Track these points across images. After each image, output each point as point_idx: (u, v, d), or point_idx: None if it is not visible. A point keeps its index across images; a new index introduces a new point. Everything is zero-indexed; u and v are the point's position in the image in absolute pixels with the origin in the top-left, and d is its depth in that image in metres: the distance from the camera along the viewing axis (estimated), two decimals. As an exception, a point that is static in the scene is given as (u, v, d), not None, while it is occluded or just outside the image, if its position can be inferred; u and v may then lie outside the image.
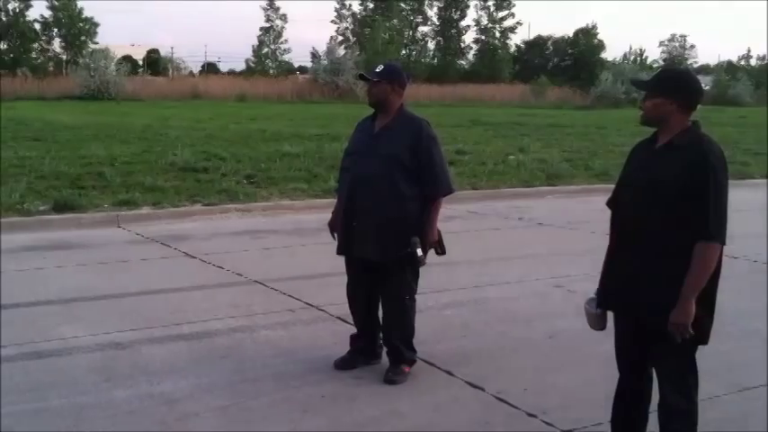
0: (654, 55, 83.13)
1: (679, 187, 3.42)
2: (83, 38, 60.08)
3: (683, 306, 3.42)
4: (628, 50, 74.12)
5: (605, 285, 3.80)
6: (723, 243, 3.47)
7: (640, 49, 66.04)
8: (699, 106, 3.60)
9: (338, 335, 5.87)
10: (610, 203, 3.84)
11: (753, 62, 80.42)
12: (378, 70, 5.19)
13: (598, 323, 3.85)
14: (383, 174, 5.02)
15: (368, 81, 5.19)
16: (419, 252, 4.99)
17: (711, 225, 3.38)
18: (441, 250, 5.23)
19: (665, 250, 3.49)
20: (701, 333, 3.53)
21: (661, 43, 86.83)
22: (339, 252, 5.34)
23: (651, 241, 3.52)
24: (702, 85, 3.77)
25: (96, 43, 57.05)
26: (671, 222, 3.46)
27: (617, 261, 3.73)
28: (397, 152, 5.02)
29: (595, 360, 5.23)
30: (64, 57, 60.47)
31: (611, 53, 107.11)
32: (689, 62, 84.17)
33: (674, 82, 3.61)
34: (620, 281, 3.69)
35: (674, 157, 3.49)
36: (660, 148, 3.60)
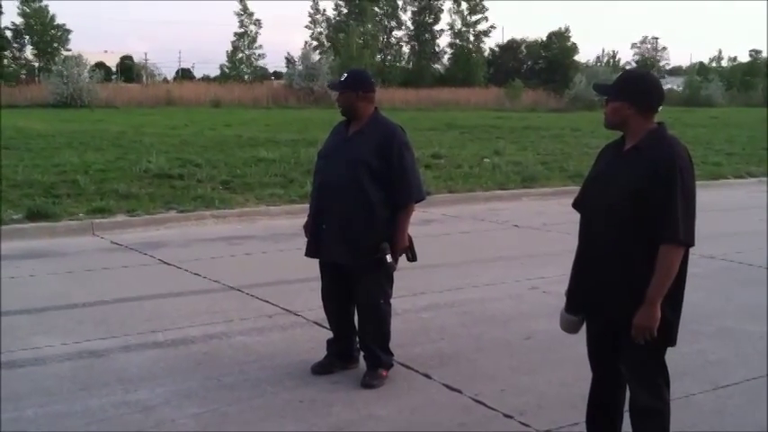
0: (626, 57, 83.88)
1: (646, 190, 3.43)
2: (55, 45, 59.65)
3: (647, 309, 3.44)
4: (601, 53, 74.80)
5: (574, 288, 3.82)
6: (691, 245, 3.50)
7: (613, 52, 66.70)
8: (660, 108, 3.63)
9: (315, 340, 5.87)
10: (576, 205, 3.86)
11: (724, 63, 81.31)
12: (342, 80, 5.21)
13: (574, 327, 3.87)
14: (351, 178, 5.02)
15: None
16: (389, 258, 5.00)
17: (678, 228, 3.39)
18: (411, 256, 5.23)
19: (631, 253, 3.51)
20: (668, 334, 3.55)
21: (633, 45, 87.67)
22: (307, 254, 5.34)
23: (618, 244, 3.54)
24: (663, 86, 3.79)
25: (69, 50, 56.67)
26: (637, 225, 3.47)
27: (585, 264, 3.75)
28: (366, 157, 5.02)
29: (571, 361, 5.26)
30: (36, 64, 59.96)
31: (585, 56, 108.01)
32: (661, 64, 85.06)
33: (632, 85, 3.63)
34: (588, 283, 3.71)
35: (640, 160, 3.51)
36: (627, 151, 3.62)
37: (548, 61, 69.30)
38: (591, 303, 3.71)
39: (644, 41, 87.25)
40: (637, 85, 3.63)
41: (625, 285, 3.52)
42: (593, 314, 3.75)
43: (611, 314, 3.62)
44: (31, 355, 5.66)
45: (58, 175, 13.60)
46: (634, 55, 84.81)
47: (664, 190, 3.40)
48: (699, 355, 5.71)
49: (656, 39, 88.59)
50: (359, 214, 5.05)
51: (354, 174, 5.04)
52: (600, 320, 3.73)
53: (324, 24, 69.47)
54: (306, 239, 5.41)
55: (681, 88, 64.83)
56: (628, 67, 63.15)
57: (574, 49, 70.19)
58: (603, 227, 3.61)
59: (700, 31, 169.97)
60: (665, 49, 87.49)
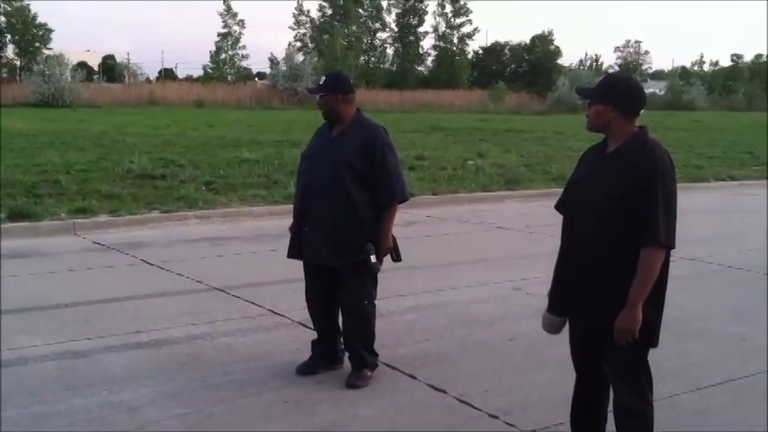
0: (609, 60, 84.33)
1: (628, 193, 3.45)
2: (36, 44, 59.36)
3: (629, 312, 3.46)
4: (584, 56, 75.05)
5: (556, 289, 3.84)
6: (672, 247, 3.52)
7: (596, 55, 67.02)
8: (642, 111, 3.65)
9: (300, 341, 5.86)
10: (558, 207, 3.89)
11: (706, 68, 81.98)
12: (320, 83, 5.22)
13: (556, 328, 3.89)
14: (335, 179, 5.02)
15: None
16: (373, 258, 5.00)
17: (659, 231, 3.42)
18: (396, 257, 5.24)
19: (613, 255, 3.53)
20: (650, 335, 3.58)
21: (616, 49, 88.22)
22: (289, 255, 5.34)
23: (600, 246, 3.56)
24: (645, 90, 3.82)
25: (50, 49, 56.34)
26: (619, 228, 3.50)
27: (567, 265, 3.77)
28: (349, 158, 5.02)
29: (555, 362, 5.28)
30: (17, 63, 59.59)
31: (568, 59, 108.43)
32: (644, 67, 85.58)
33: (614, 89, 3.65)
34: (571, 285, 3.73)
35: (622, 163, 3.54)
36: (609, 154, 3.65)
37: (531, 64, 69.68)
38: (573, 304, 3.73)
39: (627, 45, 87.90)
40: (619, 89, 3.66)
41: (607, 287, 3.55)
42: (575, 315, 3.77)
43: (593, 316, 3.64)
44: (14, 355, 5.62)
45: (39, 175, 13.52)
46: (617, 59, 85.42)
47: (645, 193, 3.43)
48: (681, 356, 5.75)
49: (639, 43, 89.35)
50: (343, 215, 5.05)
51: (338, 175, 5.04)
52: (582, 321, 3.76)
53: (308, 25, 69.59)
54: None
55: (663, 92, 65.35)
56: (610, 71, 63.54)
57: (557, 52, 70.64)
58: (586, 229, 3.63)
59: (682, 36, 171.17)
60: (647, 53, 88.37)
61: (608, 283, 3.54)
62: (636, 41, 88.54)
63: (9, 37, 59.82)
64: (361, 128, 5.19)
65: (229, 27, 65.74)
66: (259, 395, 4.97)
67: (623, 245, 3.49)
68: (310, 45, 66.01)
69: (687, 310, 6.83)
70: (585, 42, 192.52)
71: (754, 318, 6.76)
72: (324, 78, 5.30)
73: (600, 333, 3.61)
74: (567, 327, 3.90)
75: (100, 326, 6.32)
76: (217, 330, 6.27)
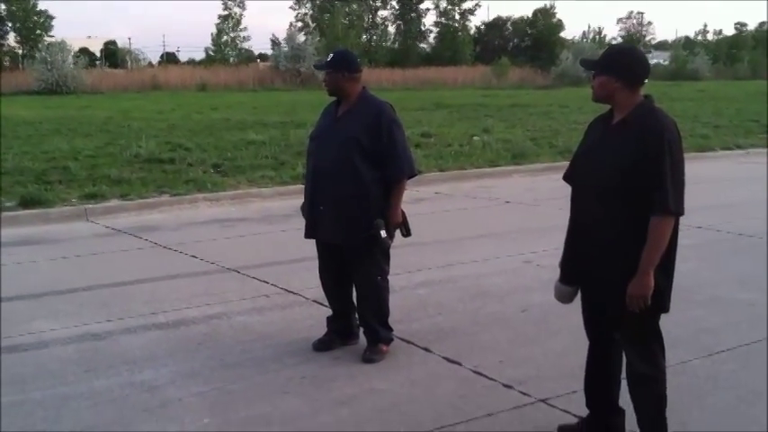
0: (612, 33, 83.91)
1: (634, 163, 3.49)
2: (38, 31, 59.24)
3: (640, 278, 3.51)
4: (586, 29, 74.74)
5: (567, 259, 3.90)
6: (681, 214, 3.56)
7: (599, 28, 66.63)
8: (646, 81, 3.68)
9: (314, 318, 5.95)
10: (566, 178, 3.94)
11: (710, 37, 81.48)
12: (328, 60, 5.27)
13: (568, 298, 3.95)
14: (343, 157, 5.08)
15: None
16: (383, 234, 5.07)
17: (668, 199, 3.45)
18: (406, 232, 5.30)
19: (622, 224, 3.58)
20: (661, 301, 3.63)
21: (619, 21, 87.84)
22: (306, 235, 5.40)
23: (609, 215, 3.61)
24: (649, 60, 3.85)
25: (52, 36, 56.27)
26: (628, 197, 3.54)
27: (578, 235, 3.82)
28: (357, 135, 5.07)
29: (567, 331, 5.37)
30: (19, 51, 59.57)
31: (570, 32, 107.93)
32: (647, 39, 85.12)
33: (617, 60, 3.68)
34: (582, 254, 3.78)
35: (628, 133, 3.57)
36: (615, 124, 3.69)
37: (534, 38, 69.26)
38: (584, 273, 3.79)
39: (629, 17, 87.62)
40: (623, 59, 3.69)
41: (617, 255, 3.60)
42: (586, 284, 3.83)
43: (604, 284, 3.69)
44: (33, 339, 5.71)
45: (48, 162, 13.59)
46: (620, 30, 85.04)
47: (653, 162, 3.46)
48: (692, 322, 5.81)
49: (642, 14, 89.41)
50: (353, 193, 5.11)
51: (346, 153, 5.10)
52: (593, 290, 3.81)
53: (309, 5, 69.17)
54: (302, 222, 5.47)
55: (667, 62, 65.00)
56: (614, 43, 63.25)
57: (559, 25, 70.21)
58: (594, 199, 3.68)
59: (685, 6, 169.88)
60: (650, 23, 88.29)
61: (617, 252, 3.59)
62: (638, 12, 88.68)
63: (10, 25, 59.74)
64: (367, 105, 5.24)
65: (230, 9, 65.40)
66: (277, 372, 5.06)
67: (631, 213, 3.54)
68: (312, 25, 65.73)
69: (697, 277, 6.88)
70: (588, 15, 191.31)
71: (763, 284, 6.80)
72: (331, 56, 5.35)
73: (611, 301, 3.67)
74: (578, 296, 3.96)
75: (117, 308, 6.41)
76: (232, 310, 6.35)
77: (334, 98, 5.36)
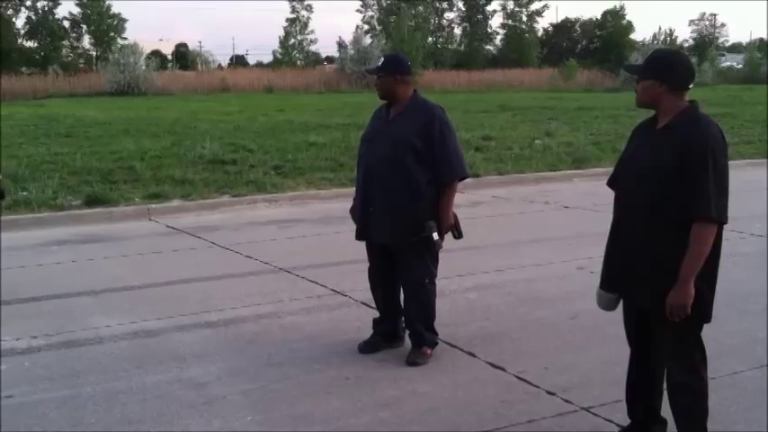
0: (684, 35, 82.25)
1: (677, 169, 3.44)
2: (111, 34, 60.71)
3: (681, 288, 3.46)
4: (657, 31, 73.18)
5: (608, 267, 3.86)
6: (724, 222, 3.50)
7: (670, 29, 65.16)
8: (691, 86, 3.62)
9: (362, 319, 5.99)
10: (610, 184, 3.91)
11: (786, 39, 79.11)
12: (379, 64, 5.32)
13: (611, 305, 3.91)
14: (396, 159, 5.11)
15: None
16: (435, 236, 5.08)
17: (710, 206, 3.40)
18: (458, 234, 5.31)
19: (664, 232, 3.53)
20: (703, 310, 3.57)
21: (691, 22, 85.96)
22: (358, 237, 5.45)
23: (650, 223, 3.57)
24: (694, 65, 3.80)
25: (125, 39, 57.59)
26: (670, 204, 3.49)
27: (619, 243, 3.79)
28: (410, 138, 5.11)
29: (615, 339, 5.23)
30: (93, 53, 61.17)
31: (641, 34, 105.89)
32: (720, 41, 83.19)
33: (661, 64, 3.64)
34: (622, 262, 3.75)
35: (672, 139, 3.53)
36: (659, 130, 3.64)
37: (603, 40, 68.20)
38: (624, 280, 3.75)
39: (702, 18, 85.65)
40: (667, 63, 3.65)
41: (657, 263, 3.55)
42: (627, 292, 3.79)
43: (644, 291, 3.65)
44: (89, 335, 5.89)
45: (115, 162, 13.93)
46: (692, 32, 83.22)
47: (696, 168, 3.41)
48: (745, 333, 5.68)
49: (715, 15, 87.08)
50: (405, 195, 5.14)
51: (399, 155, 5.13)
52: (635, 298, 3.77)
53: (375, 8, 69.39)
54: (353, 222, 5.52)
55: (741, 65, 63.37)
56: (685, 45, 62.10)
57: (629, 27, 68.92)
58: (636, 205, 3.64)
59: (760, 6, 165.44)
60: (723, 25, 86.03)
61: (658, 259, 3.55)
62: (711, 14, 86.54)
63: (85, 28, 61.41)
64: (418, 108, 5.27)
65: (297, 12, 66.13)
66: (322, 372, 5.12)
67: (672, 220, 3.49)
68: (378, 27, 65.93)
69: (753, 286, 6.70)
70: (659, 16, 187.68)
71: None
72: (382, 59, 5.42)
73: (652, 309, 3.62)
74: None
75: (171, 306, 6.56)
76: (282, 310, 6.45)
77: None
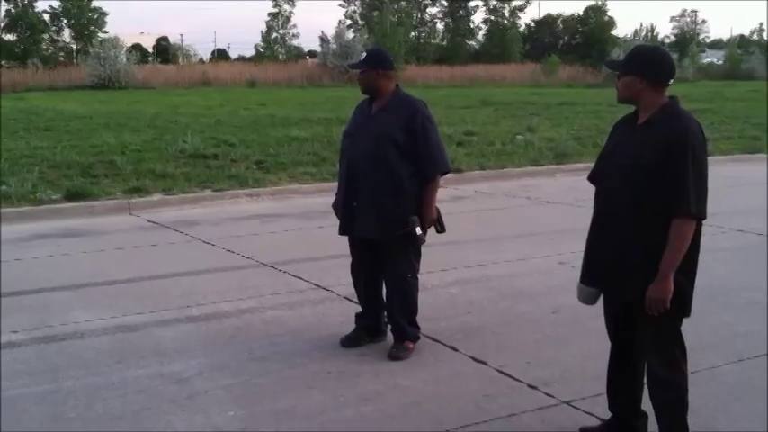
0: (665, 31, 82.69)
1: (658, 165, 3.46)
2: (92, 28, 60.34)
3: (660, 282, 3.48)
4: (638, 27, 73.64)
5: (588, 261, 3.88)
6: (703, 218, 3.52)
7: (651, 26, 65.62)
8: (672, 81, 3.63)
9: (344, 314, 5.98)
10: (591, 179, 3.92)
11: (765, 36, 79.78)
12: (361, 59, 5.31)
13: (591, 299, 3.92)
14: (378, 154, 5.11)
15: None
16: (418, 230, 5.08)
17: (690, 201, 3.42)
18: (440, 228, 5.31)
19: (644, 226, 3.55)
20: (683, 305, 3.59)
21: (672, 19, 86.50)
22: (341, 232, 5.45)
23: (630, 218, 3.58)
24: (674, 61, 3.81)
25: (105, 33, 57.31)
26: (650, 199, 3.51)
27: (599, 237, 3.80)
28: (392, 132, 5.11)
29: (597, 334, 5.24)
30: (74, 47, 60.75)
31: (622, 30, 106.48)
32: (701, 37, 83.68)
33: (642, 60, 3.65)
34: (602, 257, 3.76)
35: (652, 135, 3.54)
36: (640, 126, 3.66)
37: (584, 36, 68.40)
38: (604, 275, 3.77)
39: (683, 15, 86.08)
40: (648, 59, 3.66)
41: (636, 257, 3.58)
42: (607, 287, 3.81)
43: (623, 286, 3.67)
44: (69, 329, 5.85)
45: (95, 156, 13.84)
46: (673, 29, 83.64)
47: (676, 164, 3.43)
48: (726, 327, 5.73)
49: (696, 12, 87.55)
50: (388, 190, 5.14)
51: (381, 150, 5.13)
52: (614, 292, 3.79)
53: (357, 2, 69.31)
54: (336, 218, 5.51)
55: (721, 62, 63.81)
56: (666, 42, 62.42)
57: (611, 23, 69.15)
58: (617, 201, 3.66)
59: (740, 4, 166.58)
60: (704, 22, 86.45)
61: (637, 254, 3.57)
62: (692, 10, 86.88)
63: (65, 21, 60.94)
64: (400, 102, 5.27)
65: (280, 6, 65.98)
66: (304, 366, 5.11)
67: (652, 216, 3.51)
68: (360, 22, 65.86)
69: (734, 281, 6.76)
70: (640, 13, 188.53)
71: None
72: (364, 54, 5.40)
73: (631, 303, 3.64)
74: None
75: (152, 301, 6.53)
76: (264, 304, 6.43)
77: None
